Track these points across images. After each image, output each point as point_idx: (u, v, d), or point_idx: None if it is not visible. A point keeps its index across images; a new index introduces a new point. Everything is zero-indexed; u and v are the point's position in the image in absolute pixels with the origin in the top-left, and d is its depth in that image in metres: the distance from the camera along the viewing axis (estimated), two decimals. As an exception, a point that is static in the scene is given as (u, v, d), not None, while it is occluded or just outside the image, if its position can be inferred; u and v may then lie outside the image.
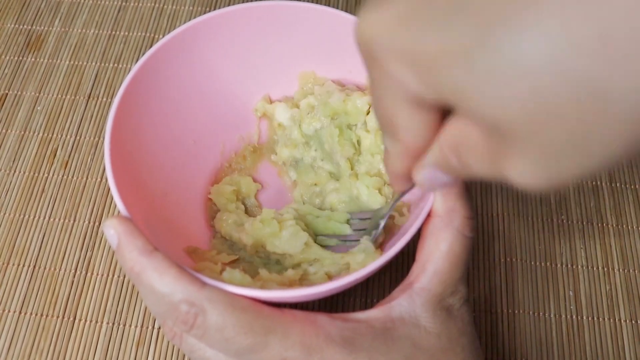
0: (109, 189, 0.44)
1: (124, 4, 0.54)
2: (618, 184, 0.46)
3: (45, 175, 0.45)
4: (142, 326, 0.40)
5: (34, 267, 0.41)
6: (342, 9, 0.51)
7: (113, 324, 0.40)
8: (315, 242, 0.39)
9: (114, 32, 0.52)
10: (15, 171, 0.45)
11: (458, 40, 0.19)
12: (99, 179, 0.45)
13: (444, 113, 0.23)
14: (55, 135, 0.47)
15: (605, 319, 0.40)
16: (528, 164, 0.20)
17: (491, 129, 0.20)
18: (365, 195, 0.39)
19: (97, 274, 0.41)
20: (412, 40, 0.20)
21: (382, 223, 0.37)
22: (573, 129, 0.18)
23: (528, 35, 0.17)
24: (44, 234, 0.43)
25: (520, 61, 0.17)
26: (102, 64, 0.51)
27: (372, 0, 0.22)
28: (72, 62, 0.51)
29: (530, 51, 0.17)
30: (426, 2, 0.20)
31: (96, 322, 0.40)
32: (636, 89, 0.17)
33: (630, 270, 0.42)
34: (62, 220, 0.43)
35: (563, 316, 0.40)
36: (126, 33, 0.52)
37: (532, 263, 0.42)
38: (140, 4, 0.54)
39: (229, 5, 0.55)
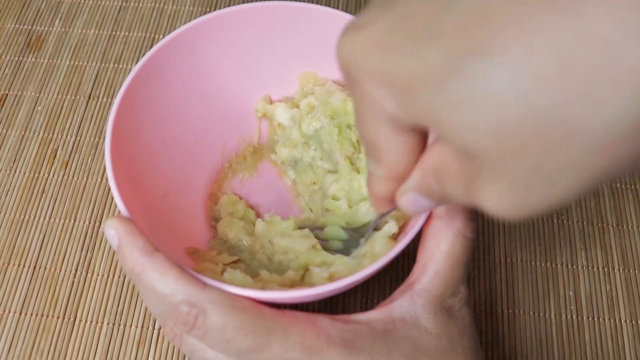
0: (110, 190, 0.44)
1: (124, 4, 0.54)
2: (618, 184, 0.46)
3: (46, 175, 0.45)
4: (142, 327, 0.40)
5: (34, 267, 0.41)
6: (342, 9, 0.51)
7: (113, 324, 0.40)
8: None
9: (114, 33, 0.52)
10: (15, 171, 0.45)
11: (431, 66, 0.19)
12: (99, 180, 0.45)
13: (426, 136, 0.24)
14: (55, 135, 0.47)
15: (606, 319, 0.40)
16: (498, 192, 0.20)
17: (464, 155, 0.20)
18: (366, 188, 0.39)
19: (98, 275, 0.41)
20: (389, 63, 0.20)
21: (363, 241, 0.37)
22: (540, 160, 0.18)
23: (496, 66, 0.17)
24: (44, 234, 0.43)
25: (489, 91, 0.17)
26: (103, 64, 0.51)
27: (352, 22, 0.22)
28: (72, 62, 0.51)
29: (498, 81, 0.17)
30: (403, 26, 0.20)
31: (96, 322, 0.40)
32: (598, 120, 0.16)
33: (631, 271, 0.42)
34: (62, 221, 0.43)
35: (563, 316, 0.40)
36: (126, 33, 0.52)
37: (533, 263, 0.42)
38: (141, 4, 0.54)
39: (229, 5, 0.55)
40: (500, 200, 0.20)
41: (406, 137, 0.23)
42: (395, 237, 0.36)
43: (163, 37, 0.38)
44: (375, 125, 0.23)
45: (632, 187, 0.46)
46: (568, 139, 0.17)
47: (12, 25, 0.53)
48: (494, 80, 0.17)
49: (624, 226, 0.44)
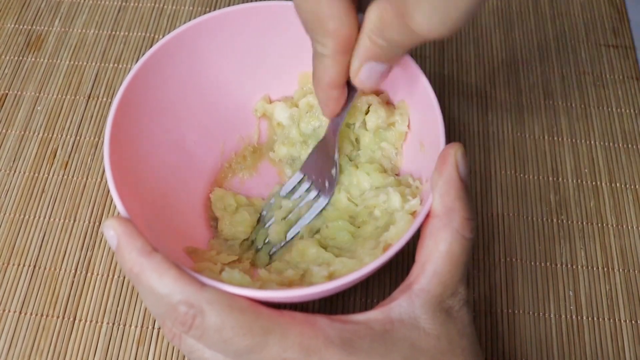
0: (109, 189, 0.44)
1: (124, 4, 0.54)
2: (618, 184, 0.46)
3: (45, 175, 0.45)
4: (142, 326, 0.40)
5: (34, 267, 0.42)
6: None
7: (113, 324, 0.40)
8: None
9: (114, 32, 0.52)
10: (15, 171, 0.45)
11: None
12: (99, 179, 0.45)
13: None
14: (55, 135, 0.47)
15: (605, 319, 0.40)
16: (424, 12, 0.25)
17: None
18: (367, 182, 0.39)
19: (97, 274, 0.41)
20: None
21: (335, 172, 0.39)
22: None
23: None
24: (44, 234, 0.43)
25: None
26: (102, 64, 0.51)
27: None
28: (72, 62, 0.51)
29: None
30: None
31: (96, 322, 0.40)
32: None
33: (630, 271, 0.42)
34: (62, 221, 0.43)
35: (563, 316, 0.40)
36: (126, 33, 0.52)
37: (532, 263, 0.42)
38: (140, 4, 0.54)
39: (229, 5, 0.55)
40: (428, 20, 0.25)
41: (345, 2, 0.27)
42: (414, 214, 0.36)
43: (163, 37, 0.38)
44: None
45: (632, 187, 0.45)
46: None
47: (12, 25, 0.53)
48: None
49: (624, 226, 0.44)
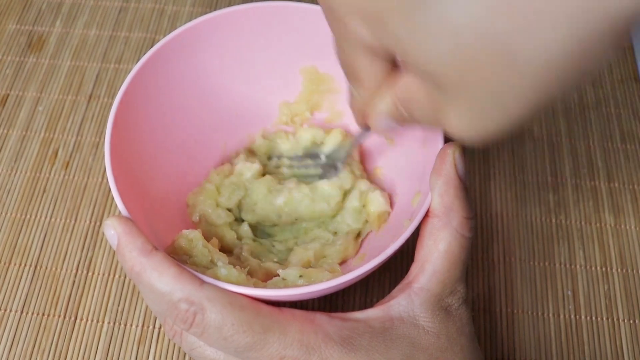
0: (110, 189, 0.44)
1: (124, 4, 0.54)
2: (616, 184, 0.46)
3: (47, 175, 0.45)
4: (143, 325, 0.40)
5: (36, 267, 0.42)
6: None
7: (114, 323, 0.40)
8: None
9: (115, 33, 0.53)
10: (16, 171, 0.46)
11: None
12: (100, 179, 0.45)
13: (395, 63, 0.27)
14: (56, 135, 0.47)
15: (604, 318, 0.41)
16: (459, 115, 0.23)
17: (429, 81, 0.23)
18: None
19: (98, 274, 0.42)
20: None
21: (341, 165, 0.41)
22: (492, 83, 0.21)
23: None
24: (45, 234, 0.43)
25: (449, 19, 0.20)
26: (103, 65, 0.51)
27: None
28: (73, 63, 0.51)
29: (455, 12, 0.20)
30: None
31: (97, 321, 0.40)
32: (539, 49, 0.19)
33: (628, 270, 0.42)
34: (63, 220, 0.44)
35: (561, 316, 0.41)
36: (127, 34, 0.53)
37: (531, 263, 0.43)
38: (141, 5, 0.54)
39: (229, 5, 0.55)
40: (461, 123, 0.24)
41: (380, 62, 0.27)
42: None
43: (163, 37, 0.38)
44: (353, 53, 0.27)
45: (630, 187, 0.46)
46: (513, 63, 0.20)
47: (14, 26, 0.53)
48: (452, 12, 0.20)
49: (622, 226, 0.44)
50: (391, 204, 0.40)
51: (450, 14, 0.20)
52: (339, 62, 0.29)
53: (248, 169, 0.41)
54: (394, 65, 0.27)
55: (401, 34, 0.22)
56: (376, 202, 0.39)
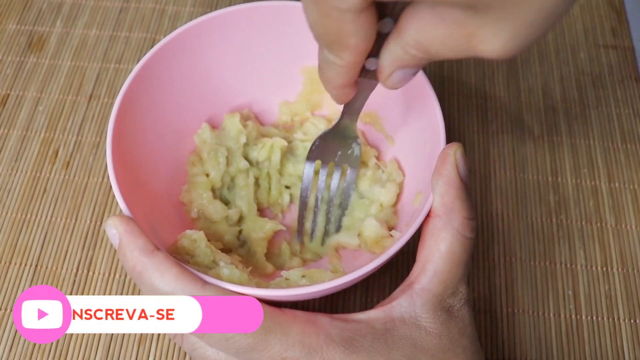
0: (111, 189, 0.44)
1: (125, 4, 0.54)
2: (617, 184, 0.46)
3: (47, 175, 0.45)
4: (143, 325, 0.40)
5: (36, 266, 0.42)
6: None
7: (114, 323, 0.40)
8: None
9: (115, 33, 0.53)
10: (17, 171, 0.46)
11: None
12: (100, 179, 0.45)
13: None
14: (57, 135, 0.47)
15: (604, 318, 0.41)
16: (496, 34, 0.23)
17: (463, 10, 0.23)
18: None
19: (99, 274, 0.41)
20: None
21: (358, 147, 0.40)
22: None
23: None
24: (46, 233, 0.43)
25: None
26: (104, 65, 0.51)
27: None
28: (73, 63, 0.51)
29: None
30: None
31: (98, 321, 0.40)
32: None
33: (629, 270, 0.42)
34: (63, 220, 0.43)
35: (562, 315, 0.41)
36: (127, 34, 0.53)
37: (532, 263, 0.43)
38: (142, 5, 0.54)
39: (229, 5, 0.55)
40: (498, 42, 0.24)
41: (367, 14, 0.25)
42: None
43: (164, 37, 0.38)
44: (340, 16, 0.25)
45: (631, 187, 0.46)
46: None
47: (14, 26, 0.53)
48: None
49: (623, 226, 0.44)
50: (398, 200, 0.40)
51: None
52: (312, 29, 0.27)
53: (232, 123, 0.41)
54: (375, 13, 0.26)
55: None
56: (370, 227, 0.38)
